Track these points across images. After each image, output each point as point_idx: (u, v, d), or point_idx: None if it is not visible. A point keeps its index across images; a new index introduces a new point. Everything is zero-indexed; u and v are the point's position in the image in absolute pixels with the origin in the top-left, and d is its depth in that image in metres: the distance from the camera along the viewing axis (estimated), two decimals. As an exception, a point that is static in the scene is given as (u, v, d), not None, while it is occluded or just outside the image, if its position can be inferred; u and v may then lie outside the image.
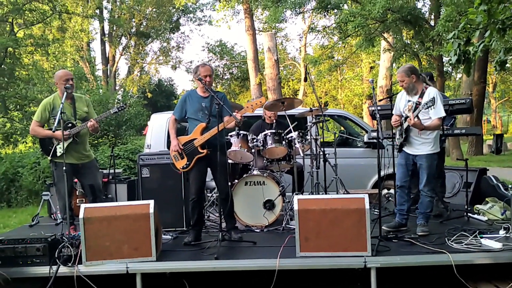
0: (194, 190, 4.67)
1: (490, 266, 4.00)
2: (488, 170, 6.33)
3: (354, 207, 3.92)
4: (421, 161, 4.65)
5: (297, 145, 5.35)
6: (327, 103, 29.53)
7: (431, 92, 4.52)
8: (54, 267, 3.94)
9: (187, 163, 4.67)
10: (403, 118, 4.74)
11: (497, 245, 4.02)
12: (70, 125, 4.87)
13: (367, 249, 3.87)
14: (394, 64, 17.91)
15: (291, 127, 5.34)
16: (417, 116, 4.47)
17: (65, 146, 4.68)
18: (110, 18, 26.91)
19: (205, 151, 4.61)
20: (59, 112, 4.53)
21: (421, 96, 4.58)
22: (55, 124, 4.52)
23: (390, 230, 4.73)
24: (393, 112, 4.96)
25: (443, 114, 4.54)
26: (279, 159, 5.55)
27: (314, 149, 5.71)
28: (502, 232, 4.42)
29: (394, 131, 5.09)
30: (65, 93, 4.78)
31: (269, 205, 5.27)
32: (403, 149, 4.80)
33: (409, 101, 4.68)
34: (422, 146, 4.65)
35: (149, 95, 30.81)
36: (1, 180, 10.75)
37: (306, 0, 15.24)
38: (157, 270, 4.05)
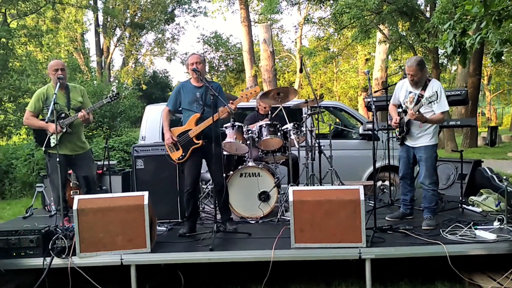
0: (189, 181, 4.64)
1: (484, 257, 4.01)
2: (482, 162, 6.35)
3: (349, 198, 3.91)
4: (420, 153, 4.64)
5: (292, 136, 5.34)
6: (323, 95, 29.48)
7: (435, 85, 4.48)
8: (48, 259, 3.91)
9: (183, 154, 4.64)
10: (402, 112, 4.71)
11: (491, 236, 4.03)
12: (63, 115, 4.83)
13: (362, 240, 3.87)
14: (389, 56, 17.89)
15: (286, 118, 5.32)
16: (418, 110, 4.40)
17: (58, 137, 4.63)
18: (104, 8, 26.64)
19: (200, 141, 4.58)
20: (52, 102, 4.49)
21: (424, 88, 4.53)
22: (48, 115, 4.48)
23: (393, 221, 4.74)
24: (391, 101, 4.93)
25: (447, 108, 4.50)
26: (274, 150, 5.53)
27: (309, 140, 5.70)
28: (496, 224, 4.44)
29: (390, 123, 5.07)
30: (58, 83, 4.73)
31: (264, 196, 5.26)
32: (405, 142, 4.79)
33: (410, 92, 4.64)
34: (421, 139, 4.65)
35: (144, 87, 30.63)
36: (-5, 172, 10.69)
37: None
38: (151, 261, 4.03)
